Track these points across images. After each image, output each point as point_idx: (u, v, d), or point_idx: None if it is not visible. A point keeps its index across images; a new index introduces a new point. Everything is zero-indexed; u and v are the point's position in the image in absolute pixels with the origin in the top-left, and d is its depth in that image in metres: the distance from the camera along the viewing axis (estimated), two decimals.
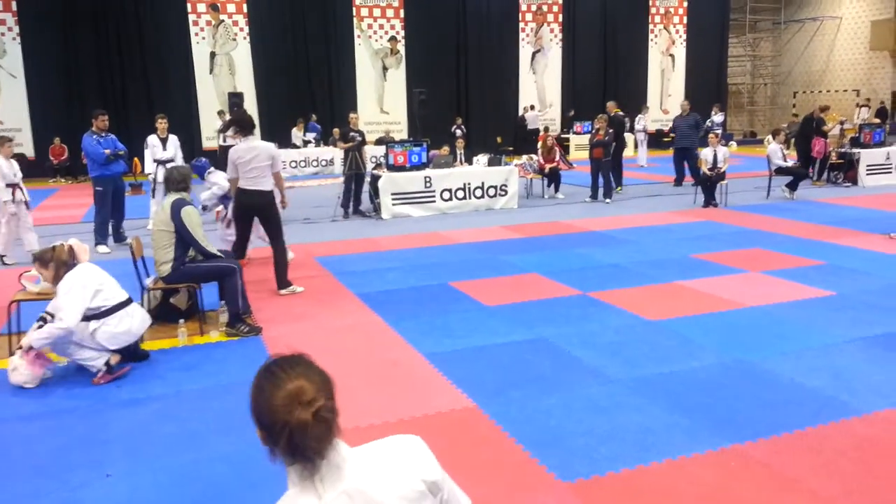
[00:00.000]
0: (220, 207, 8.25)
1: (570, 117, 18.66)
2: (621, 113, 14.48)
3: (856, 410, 3.93)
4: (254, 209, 6.62)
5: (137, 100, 18.67)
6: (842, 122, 17.83)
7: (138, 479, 3.41)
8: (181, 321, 5.48)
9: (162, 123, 10.26)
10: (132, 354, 4.89)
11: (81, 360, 4.60)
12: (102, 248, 8.64)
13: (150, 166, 10.18)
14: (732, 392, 4.24)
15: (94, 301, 4.56)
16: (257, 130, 19.35)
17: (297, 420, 1.33)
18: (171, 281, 5.56)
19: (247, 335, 5.46)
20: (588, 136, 14.16)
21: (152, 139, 10.16)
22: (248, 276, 5.89)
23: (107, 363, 4.61)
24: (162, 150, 10.10)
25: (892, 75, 23.65)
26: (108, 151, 8.54)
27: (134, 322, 4.76)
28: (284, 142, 18.17)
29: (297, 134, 18.56)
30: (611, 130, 12.21)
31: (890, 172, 14.09)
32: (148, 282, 5.74)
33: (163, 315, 5.73)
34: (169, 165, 10.06)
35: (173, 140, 10.30)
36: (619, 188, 13.40)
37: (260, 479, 3.35)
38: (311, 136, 18.94)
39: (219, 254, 5.64)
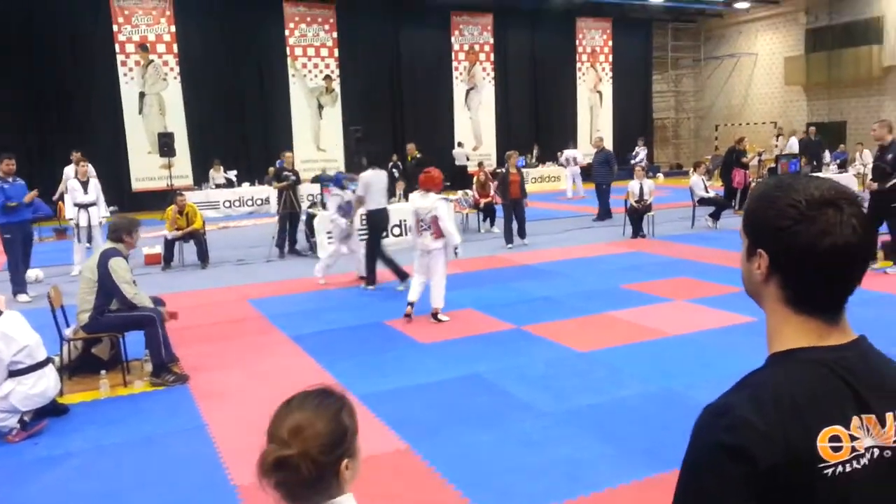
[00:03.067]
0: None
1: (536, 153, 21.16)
2: (419, 155, 15.16)
3: None
4: (377, 222, 8.58)
5: (62, 142, 18.09)
6: (759, 154, 18.68)
7: None
8: (103, 372, 5.29)
9: (83, 167, 9.94)
10: (50, 409, 4.69)
11: None
12: (23, 297, 8.28)
13: (70, 211, 9.83)
14: (658, 421, 4.34)
15: (18, 355, 4.37)
16: (189, 168, 19.15)
17: (264, 456, 1.31)
18: (90, 330, 5.37)
19: (172, 384, 5.30)
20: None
21: (73, 183, 9.81)
22: (176, 324, 5.73)
23: (20, 420, 4.41)
24: (83, 194, 9.74)
25: (805, 108, 24.98)
26: (12, 204, 8.08)
27: (49, 383, 4.57)
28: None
29: (213, 175, 18.26)
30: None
31: None
32: (68, 332, 5.53)
33: (84, 366, 5.51)
34: (92, 209, 9.80)
35: (95, 183, 9.96)
36: None
37: None
38: (232, 174, 18.68)
39: (150, 306, 5.47)
